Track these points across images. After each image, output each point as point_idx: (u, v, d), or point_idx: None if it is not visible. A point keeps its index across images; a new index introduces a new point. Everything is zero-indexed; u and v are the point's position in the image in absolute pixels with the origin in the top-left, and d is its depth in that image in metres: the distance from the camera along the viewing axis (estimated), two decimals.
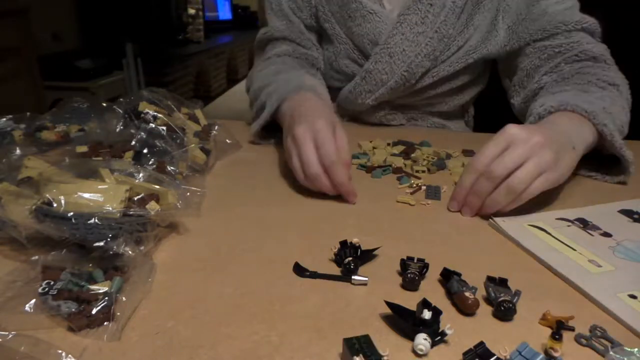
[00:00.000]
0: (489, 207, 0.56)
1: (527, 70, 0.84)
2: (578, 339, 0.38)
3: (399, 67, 0.85)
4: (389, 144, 0.81)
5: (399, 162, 0.73)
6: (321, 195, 0.62)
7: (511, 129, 0.55)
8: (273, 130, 0.81)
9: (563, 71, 0.79)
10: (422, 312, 0.37)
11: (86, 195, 0.45)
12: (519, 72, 0.86)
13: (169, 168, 0.60)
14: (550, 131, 0.57)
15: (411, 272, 0.43)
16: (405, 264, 0.44)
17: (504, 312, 0.40)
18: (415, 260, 0.45)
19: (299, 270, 0.46)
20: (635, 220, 0.57)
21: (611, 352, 0.34)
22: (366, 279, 0.44)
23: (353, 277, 0.44)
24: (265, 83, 0.84)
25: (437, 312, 0.38)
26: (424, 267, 0.44)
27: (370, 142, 0.82)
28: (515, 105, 0.90)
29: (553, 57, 0.80)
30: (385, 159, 0.74)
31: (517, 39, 0.84)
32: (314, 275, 0.45)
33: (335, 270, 0.46)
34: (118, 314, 0.38)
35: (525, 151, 0.53)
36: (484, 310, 0.41)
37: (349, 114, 0.98)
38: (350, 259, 0.45)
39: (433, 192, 0.64)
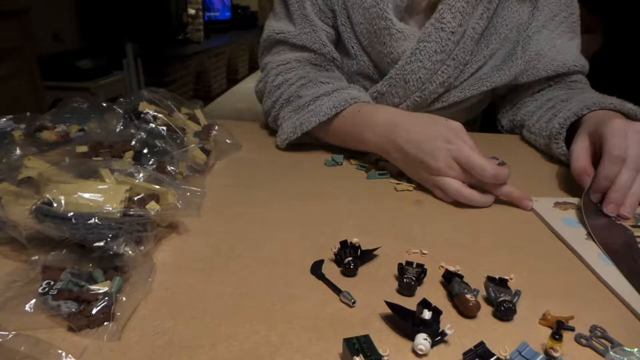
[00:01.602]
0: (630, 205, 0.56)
1: (521, 92, 0.91)
2: (578, 339, 0.38)
3: (412, 92, 0.84)
4: None
5: (390, 166, 0.71)
6: (321, 195, 0.63)
7: (623, 125, 0.58)
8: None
9: (552, 87, 0.89)
10: (422, 312, 0.37)
11: (86, 195, 0.45)
12: (512, 93, 0.93)
13: (169, 168, 0.60)
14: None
15: (407, 277, 0.43)
16: (402, 268, 0.44)
17: (504, 312, 0.40)
18: (414, 265, 0.44)
19: (315, 269, 0.46)
20: None
21: (611, 352, 0.34)
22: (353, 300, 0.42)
23: (341, 293, 0.42)
24: (305, 82, 0.78)
25: (437, 312, 0.38)
26: (421, 272, 0.44)
27: None
28: (502, 122, 0.95)
29: (547, 88, 0.89)
30: (377, 161, 0.73)
31: (536, 74, 0.86)
32: (322, 277, 0.45)
33: (336, 270, 0.46)
34: (118, 314, 0.38)
35: None
36: (484, 310, 0.41)
37: None
38: (350, 259, 0.45)
39: None
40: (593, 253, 0.49)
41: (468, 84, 0.85)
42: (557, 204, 0.57)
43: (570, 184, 0.68)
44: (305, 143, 0.79)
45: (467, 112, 0.95)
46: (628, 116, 0.70)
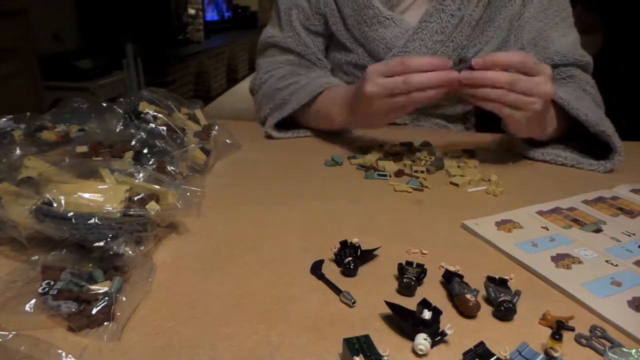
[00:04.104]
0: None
1: None
2: (578, 339, 0.38)
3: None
4: (381, 145, 0.81)
5: (389, 165, 0.72)
6: (321, 195, 0.63)
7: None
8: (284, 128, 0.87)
9: None
10: (422, 312, 0.37)
11: (86, 195, 0.45)
12: None
13: (169, 168, 0.60)
14: None
15: (407, 277, 0.43)
16: (402, 268, 0.44)
17: (504, 312, 0.40)
18: (414, 265, 0.44)
19: (315, 269, 0.46)
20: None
21: (609, 353, 0.34)
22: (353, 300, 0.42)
23: (341, 293, 0.42)
24: (287, 83, 0.88)
25: (437, 312, 0.38)
26: (421, 272, 0.44)
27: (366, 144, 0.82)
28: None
29: None
30: (377, 161, 0.73)
31: None
32: (322, 277, 0.45)
33: (336, 270, 0.46)
34: (118, 314, 0.38)
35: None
36: (484, 310, 0.41)
37: None
38: (350, 259, 0.45)
39: (437, 164, 0.72)
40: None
41: None
42: (498, 224, 0.55)
43: (566, 183, 0.68)
44: (305, 143, 0.79)
45: (464, 101, 0.98)
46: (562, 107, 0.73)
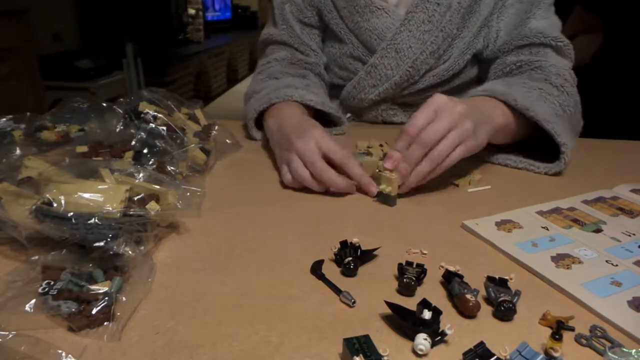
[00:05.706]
0: (414, 177, 0.60)
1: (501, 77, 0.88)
2: (578, 339, 0.38)
3: (405, 62, 0.87)
4: (381, 145, 0.81)
5: None
6: (321, 195, 0.63)
7: (439, 98, 0.61)
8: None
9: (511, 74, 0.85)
10: (422, 312, 0.37)
11: (86, 195, 0.45)
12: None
13: (169, 168, 0.60)
14: (471, 103, 0.64)
15: (407, 277, 0.43)
16: (402, 268, 0.44)
17: (504, 312, 0.40)
18: (414, 265, 0.44)
19: (315, 269, 0.46)
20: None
21: (609, 353, 0.34)
22: (353, 300, 0.42)
23: (341, 293, 0.42)
24: (257, 87, 0.89)
25: (437, 312, 0.38)
26: (421, 272, 0.44)
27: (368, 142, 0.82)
28: None
29: (513, 71, 0.85)
30: (377, 161, 0.73)
31: (504, 40, 0.87)
32: (322, 277, 0.45)
33: (336, 270, 0.46)
34: (118, 314, 0.38)
35: (450, 120, 0.59)
36: (484, 310, 0.41)
37: (350, 110, 0.99)
38: (350, 259, 0.45)
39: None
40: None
41: (455, 57, 0.88)
42: (498, 225, 0.55)
43: (566, 183, 0.68)
44: None
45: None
46: (507, 103, 0.70)
